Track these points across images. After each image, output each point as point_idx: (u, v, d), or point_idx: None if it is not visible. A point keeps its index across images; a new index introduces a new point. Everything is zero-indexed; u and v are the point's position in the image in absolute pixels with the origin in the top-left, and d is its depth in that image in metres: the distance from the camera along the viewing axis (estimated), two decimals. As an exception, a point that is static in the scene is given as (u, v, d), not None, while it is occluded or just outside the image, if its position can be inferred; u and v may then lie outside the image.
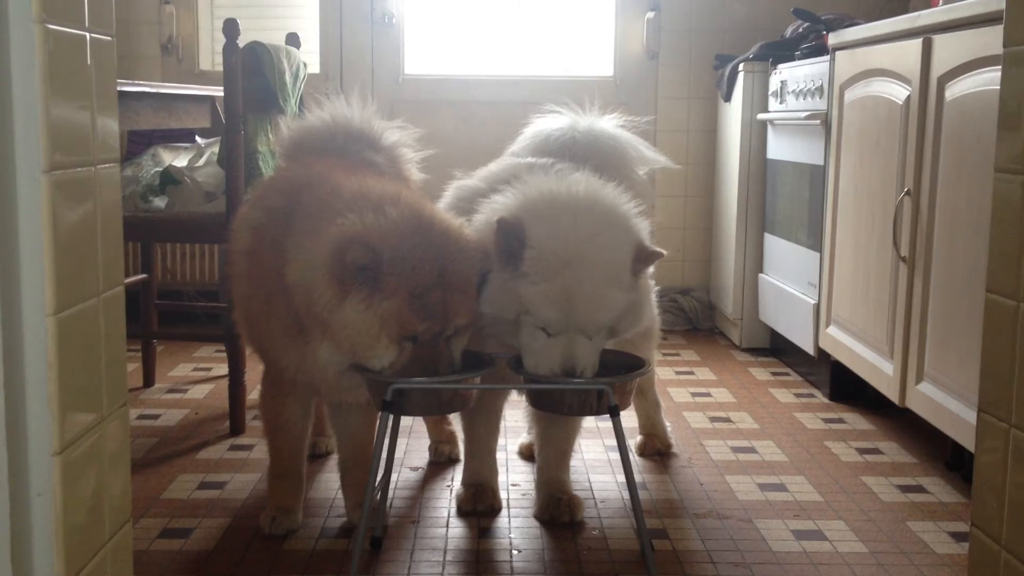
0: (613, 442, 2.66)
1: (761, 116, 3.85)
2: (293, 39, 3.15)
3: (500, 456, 2.49)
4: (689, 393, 3.33)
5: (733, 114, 4.05)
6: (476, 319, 1.94)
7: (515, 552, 2.10)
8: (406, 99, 4.39)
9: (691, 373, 3.60)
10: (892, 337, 2.70)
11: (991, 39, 2.20)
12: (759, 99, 3.89)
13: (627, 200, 2.07)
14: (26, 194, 1.18)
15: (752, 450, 2.74)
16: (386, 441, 1.93)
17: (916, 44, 2.57)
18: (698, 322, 4.38)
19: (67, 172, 1.23)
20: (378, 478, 1.95)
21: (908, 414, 2.66)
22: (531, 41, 4.49)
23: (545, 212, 1.96)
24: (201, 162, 3.13)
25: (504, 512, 2.30)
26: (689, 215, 4.46)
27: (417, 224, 1.88)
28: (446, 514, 2.29)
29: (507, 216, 1.93)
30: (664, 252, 2.04)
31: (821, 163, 3.29)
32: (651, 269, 2.10)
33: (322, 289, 1.82)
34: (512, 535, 2.19)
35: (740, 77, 3.95)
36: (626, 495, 2.38)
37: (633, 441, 2.71)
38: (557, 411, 2.04)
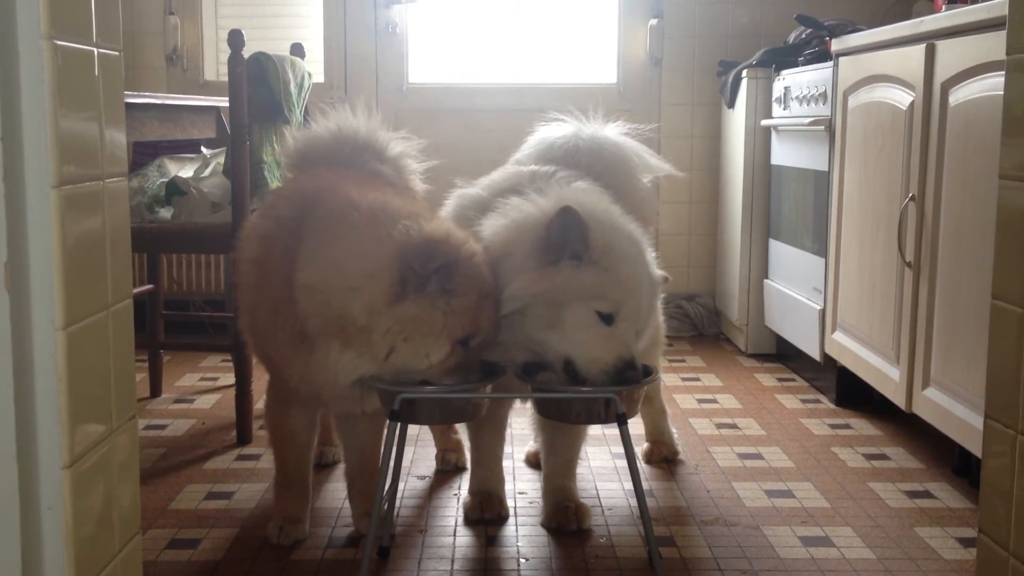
0: (620, 449, 2.66)
1: (765, 122, 3.85)
2: (298, 49, 3.16)
3: (507, 464, 2.49)
4: (695, 399, 3.33)
5: (737, 120, 4.06)
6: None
7: (523, 560, 2.10)
8: (410, 108, 4.40)
9: (697, 379, 3.60)
10: (898, 342, 2.70)
11: (994, 44, 2.20)
12: (763, 105, 3.89)
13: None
14: (35, 209, 1.19)
15: (759, 456, 2.74)
16: (393, 450, 1.93)
17: (919, 50, 2.58)
18: (704, 328, 4.38)
19: (76, 186, 1.23)
20: (385, 487, 1.95)
21: (915, 419, 2.66)
22: (534, 49, 4.50)
23: (591, 210, 1.99)
24: (207, 172, 3.14)
25: (511, 520, 2.30)
26: (694, 221, 4.47)
27: (468, 235, 1.97)
28: (453, 523, 2.30)
29: (571, 205, 1.94)
30: (669, 277, 2.16)
31: (825, 169, 3.29)
32: None
33: (372, 292, 1.84)
34: (520, 543, 2.19)
35: (744, 83, 3.95)
36: (633, 502, 2.38)
37: (640, 448, 2.71)
38: (564, 420, 2.05)
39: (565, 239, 1.92)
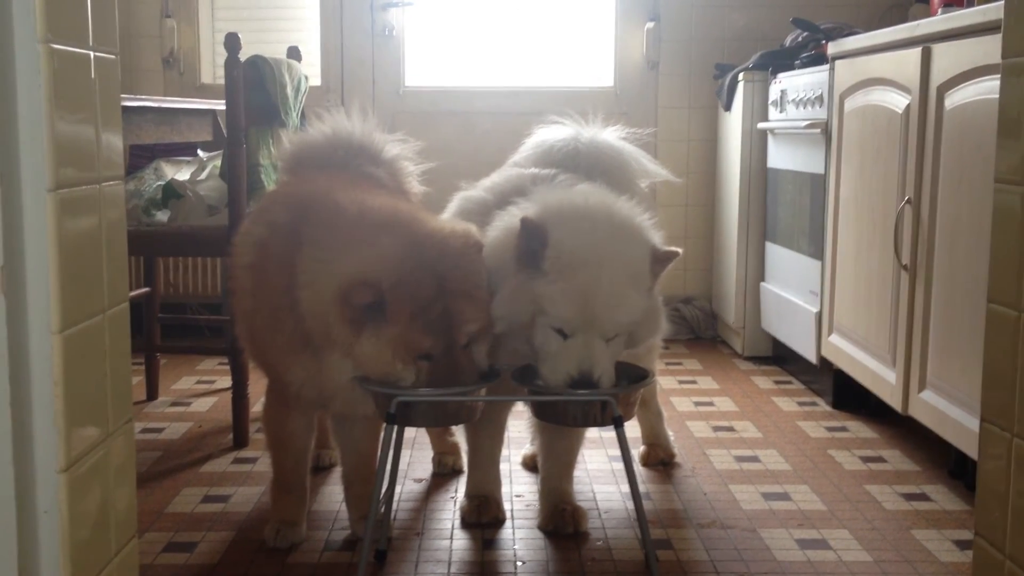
0: (616, 452, 2.66)
1: (761, 125, 3.85)
2: (294, 52, 3.16)
3: (504, 467, 2.49)
4: (692, 402, 3.33)
5: (733, 123, 4.06)
6: (490, 321, 1.95)
7: (519, 563, 2.10)
8: (407, 111, 4.41)
9: (694, 382, 3.61)
10: (894, 345, 2.71)
11: (990, 48, 2.21)
12: (759, 108, 3.90)
13: (639, 211, 2.11)
14: (32, 212, 1.19)
15: (755, 459, 2.75)
16: (390, 453, 1.93)
17: (915, 53, 2.58)
18: (700, 331, 4.38)
19: (72, 190, 1.23)
20: (382, 490, 1.95)
21: (911, 422, 2.66)
22: (531, 52, 4.50)
23: (566, 216, 1.98)
24: (203, 175, 3.14)
25: (508, 523, 2.30)
26: (690, 224, 4.47)
27: (412, 243, 1.90)
28: (450, 526, 2.30)
29: (531, 216, 1.95)
30: (679, 251, 2.06)
31: (822, 172, 3.30)
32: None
33: (338, 328, 1.87)
34: (516, 546, 2.19)
35: (740, 86, 3.96)
36: (630, 505, 2.39)
37: (636, 451, 2.71)
38: (561, 422, 2.05)
39: (529, 250, 1.93)
